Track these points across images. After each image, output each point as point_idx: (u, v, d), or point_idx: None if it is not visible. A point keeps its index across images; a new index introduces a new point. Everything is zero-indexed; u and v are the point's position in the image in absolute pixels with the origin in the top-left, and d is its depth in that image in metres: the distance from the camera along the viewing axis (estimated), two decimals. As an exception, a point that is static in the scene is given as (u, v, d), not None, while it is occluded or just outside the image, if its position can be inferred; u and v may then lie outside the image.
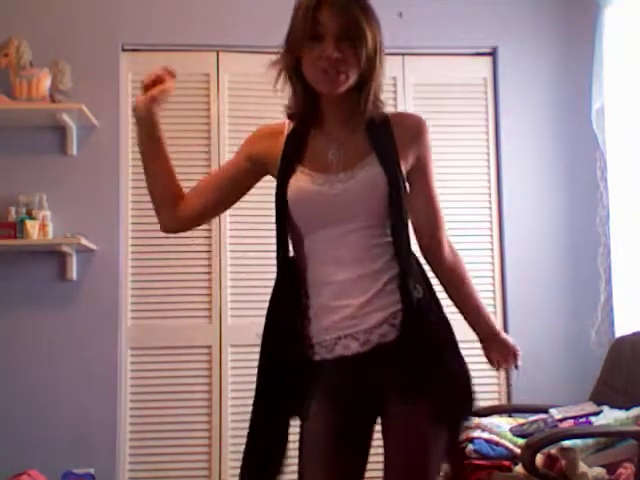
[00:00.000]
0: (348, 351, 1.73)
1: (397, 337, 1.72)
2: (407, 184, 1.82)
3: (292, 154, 1.81)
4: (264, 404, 1.86)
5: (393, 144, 1.79)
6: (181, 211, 1.88)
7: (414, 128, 1.85)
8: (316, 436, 1.78)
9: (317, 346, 1.77)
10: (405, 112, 1.89)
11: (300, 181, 1.78)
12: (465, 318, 1.90)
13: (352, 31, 1.71)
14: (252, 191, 2.00)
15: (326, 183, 1.76)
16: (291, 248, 1.83)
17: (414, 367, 1.71)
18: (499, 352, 1.92)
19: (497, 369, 1.95)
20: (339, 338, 1.74)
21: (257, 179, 1.94)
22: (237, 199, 1.97)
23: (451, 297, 1.90)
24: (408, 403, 1.69)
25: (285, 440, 1.81)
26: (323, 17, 1.71)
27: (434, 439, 1.71)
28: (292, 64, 1.78)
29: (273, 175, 1.87)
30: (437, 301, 1.82)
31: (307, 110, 1.82)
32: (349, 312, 1.73)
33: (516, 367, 1.94)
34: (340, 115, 1.81)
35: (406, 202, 1.78)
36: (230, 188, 1.93)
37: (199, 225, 1.98)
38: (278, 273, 1.82)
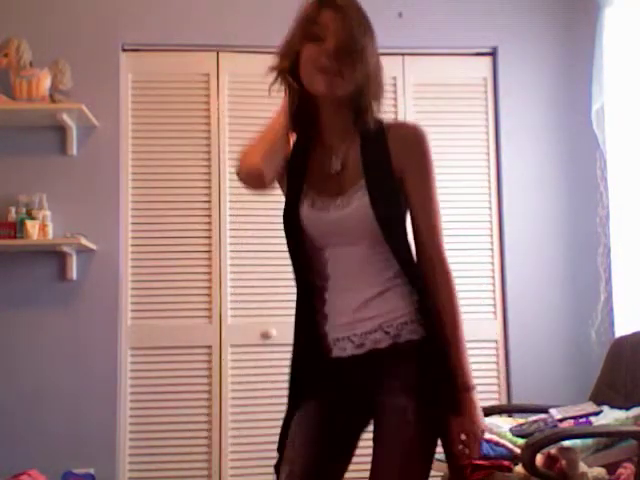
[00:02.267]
0: (344, 353, 1.79)
1: (390, 345, 1.74)
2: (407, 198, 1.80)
3: (297, 171, 1.84)
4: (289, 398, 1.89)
5: (387, 160, 1.77)
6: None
7: (409, 139, 1.79)
8: (300, 427, 1.81)
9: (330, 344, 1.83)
10: (403, 122, 1.88)
11: (304, 204, 1.81)
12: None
13: (354, 36, 1.71)
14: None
15: (324, 208, 1.79)
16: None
17: (403, 377, 1.73)
18: (462, 421, 1.73)
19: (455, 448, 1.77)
20: (337, 340, 1.81)
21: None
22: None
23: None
24: (396, 402, 1.72)
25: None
26: (323, 18, 1.73)
27: (420, 439, 1.72)
28: (288, 67, 1.78)
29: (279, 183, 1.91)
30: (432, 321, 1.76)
31: (305, 117, 1.82)
32: (346, 319, 1.79)
33: (469, 453, 1.78)
34: (338, 125, 1.82)
35: (403, 222, 1.79)
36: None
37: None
38: (297, 286, 1.86)
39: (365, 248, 1.78)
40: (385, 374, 1.75)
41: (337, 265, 1.81)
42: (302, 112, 1.82)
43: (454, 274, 1.78)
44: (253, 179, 1.83)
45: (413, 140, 1.79)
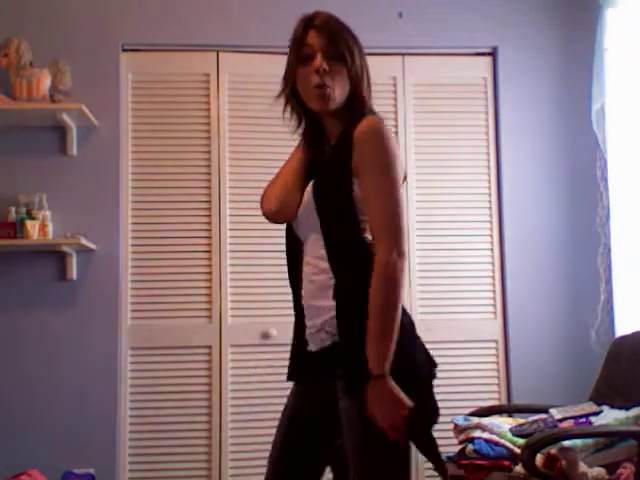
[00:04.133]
0: (310, 348, 1.91)
1: (333, 343, 1.83)
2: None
3: (309, 174, 1.96)
4: None
5: (347, 157, 1.82)
6: None
7: (360, 137, 1.83)
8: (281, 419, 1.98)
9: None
10: (366, 119, 1.86)
11: None
12: None
13: (338, 48, 1.86)
14: (252, 190, 2.02)
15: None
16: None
17: (340, 375, 1.80)
18: (376, 403, 1.71)
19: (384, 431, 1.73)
20: (307, 334, 1.92)
21: None
22: None
23: None
24: (346, 400, 1.79)
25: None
26: (310, 39, 1.88)
27: (366, 434, 1.76)
28: (290, 90, 1.94)
29: None
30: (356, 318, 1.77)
31: (314, 131, 1.97)
32: (307, 315, 1.92)
33: (407, 434, 1.72)
34: (336, 129, 1.92)
35: (346, 216, 1.83)
36: None
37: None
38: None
39: (314, 240, 1.88)
40: (332, 373, 1.82)
41: (306, 260, 1.92)
42: (313, 126, 1.97)
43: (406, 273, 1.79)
44: (273, 219, 2.01)
45: (363, 138, 1.82)
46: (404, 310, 1.81)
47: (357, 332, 1.75)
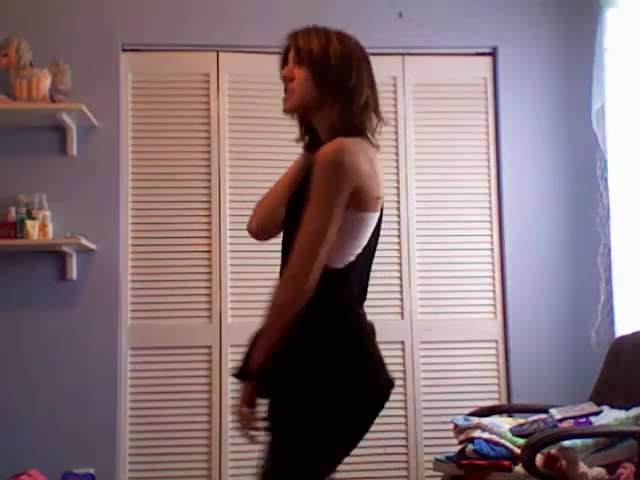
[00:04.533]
0: None
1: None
2: None
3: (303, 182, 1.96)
4: None
5: (309, 177, 1.84)
6: None
7: (316, 157, 1.82)
8: None
9: None
10: (331, 143, 1.82)
11: None
12: None
13: (299, 54, 1.89)
14: (252, 190, 2.02)
15: None
16: None
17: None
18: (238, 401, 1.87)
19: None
20: None
21: None
22: None
23: None
24: None
25: None
26: (288, 57, 1.94)
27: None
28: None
29: None
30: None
31: (310, 136, 2.00)
32: None
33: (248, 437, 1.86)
34: (323, 138, 1.93)
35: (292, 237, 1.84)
36: None
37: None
38: None
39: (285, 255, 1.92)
40: None
41: None
42: (310, 132, 2.00)
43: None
44: (255, 238, 2.10)
45: (318, 161, 1.81)
46: (358, 330, 1.88)
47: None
